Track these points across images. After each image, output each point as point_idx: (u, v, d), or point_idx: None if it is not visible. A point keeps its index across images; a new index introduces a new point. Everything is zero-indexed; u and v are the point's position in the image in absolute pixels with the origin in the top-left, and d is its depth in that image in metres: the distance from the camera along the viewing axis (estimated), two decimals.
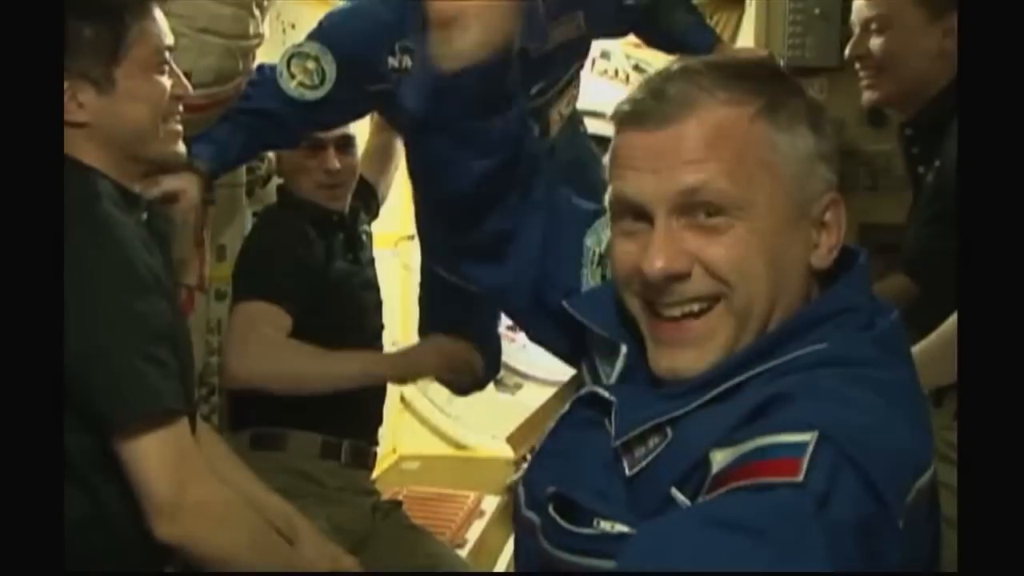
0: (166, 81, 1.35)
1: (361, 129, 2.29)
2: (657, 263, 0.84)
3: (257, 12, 1.79)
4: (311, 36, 1.87)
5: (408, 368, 1.87)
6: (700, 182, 0.83)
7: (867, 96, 1.71)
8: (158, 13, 1.36)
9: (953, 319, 1.44)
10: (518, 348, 3.38)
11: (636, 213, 0.87)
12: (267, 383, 1.88)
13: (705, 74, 0.86)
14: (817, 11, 2.01)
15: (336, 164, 2.06)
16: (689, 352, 0.85)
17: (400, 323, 2.98)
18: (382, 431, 2.20)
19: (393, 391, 2.96)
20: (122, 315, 1.21)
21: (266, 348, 1.87)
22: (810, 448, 0.71)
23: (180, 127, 1.38)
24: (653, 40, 2.22)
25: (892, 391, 0.81)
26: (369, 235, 2.32)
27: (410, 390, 3.54)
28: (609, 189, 0.90)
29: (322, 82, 1.83)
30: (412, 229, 3.73)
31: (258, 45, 1.85)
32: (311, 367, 1.89)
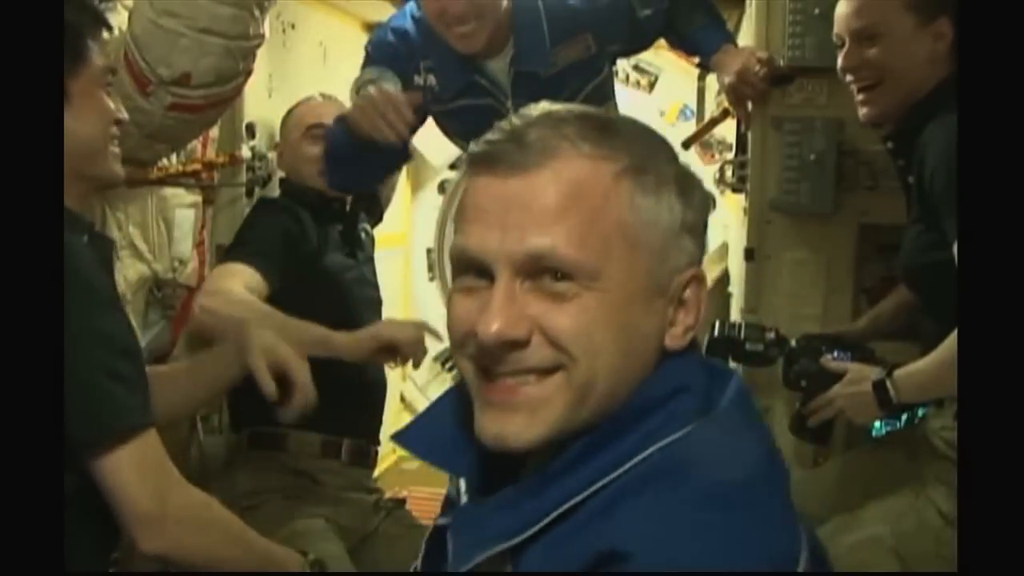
0: (111, 102, 1.37)
1: None
2: (493, 326, 0.75)
3: (257, 12, 1.80)
4: (365, 65, 1.99)
5: (323, 346, 1.77)
6: (547, 247, 0.75)
7: (864, 112, 1.67)
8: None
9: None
10: None
11: (478, 269, 0.79)
12: (213, 324, 1.79)
13: (571, 123, 0.79)
14: (817, 11, 2.00)
15: None
16: (519, 418, 0.77)
17: None
18: (382, 431, 2.20)
19: (393, 391, 2.96)
20: (86, 335, 1.21)
21: (223, 296, 1.82)
22: None
23: (119, 150, 1.40)
24: (670, 41, 2.23)
25: (750, 492, 0.74)
26: (370, 235, 2.32)
27: (410, 390, 3.55)
28: (453, 240, 0.82)
29: None
30: (410, 228, 3.77)
31: (258, 46, 1.86)
32: (247, 312, 1.75)
